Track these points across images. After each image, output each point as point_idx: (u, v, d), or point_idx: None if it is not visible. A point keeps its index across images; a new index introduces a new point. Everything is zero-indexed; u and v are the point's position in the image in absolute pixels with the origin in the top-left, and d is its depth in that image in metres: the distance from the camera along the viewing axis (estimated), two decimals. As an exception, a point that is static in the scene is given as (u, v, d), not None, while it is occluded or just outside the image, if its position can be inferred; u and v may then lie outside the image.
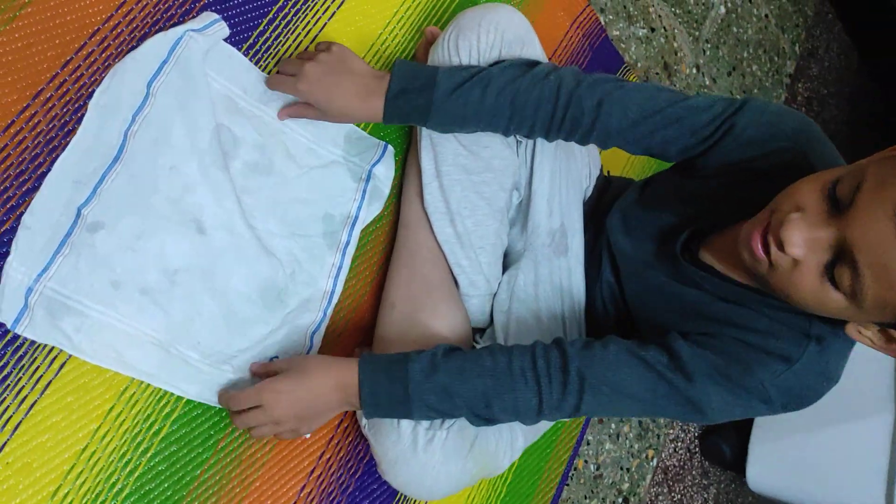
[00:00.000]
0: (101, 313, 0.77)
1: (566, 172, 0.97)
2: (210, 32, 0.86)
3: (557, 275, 0.95)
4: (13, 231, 0.74)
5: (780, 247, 0.64)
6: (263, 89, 0.91)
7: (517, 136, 0.93)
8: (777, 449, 1.60)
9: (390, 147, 1.02)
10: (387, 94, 0.83)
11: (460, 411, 0.79)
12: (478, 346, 0.94)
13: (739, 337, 0.76)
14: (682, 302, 0.82)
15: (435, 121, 0.85)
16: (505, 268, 0.98)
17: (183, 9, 0.86)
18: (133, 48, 0.82)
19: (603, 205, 1.00)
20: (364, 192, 0.98)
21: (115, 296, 0.77)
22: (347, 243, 0.97)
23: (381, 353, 0.81)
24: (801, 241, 0.63)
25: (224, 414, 0.87)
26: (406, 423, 0.84)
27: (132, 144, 0.79)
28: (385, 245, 1.03)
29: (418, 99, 0.83)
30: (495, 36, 0.89)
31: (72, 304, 0.75)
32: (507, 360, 0.78)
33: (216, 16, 0.87)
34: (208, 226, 0.83)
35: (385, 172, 1.00)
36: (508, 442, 0.89)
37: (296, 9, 0.97)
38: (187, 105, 0.83)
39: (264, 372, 0.84)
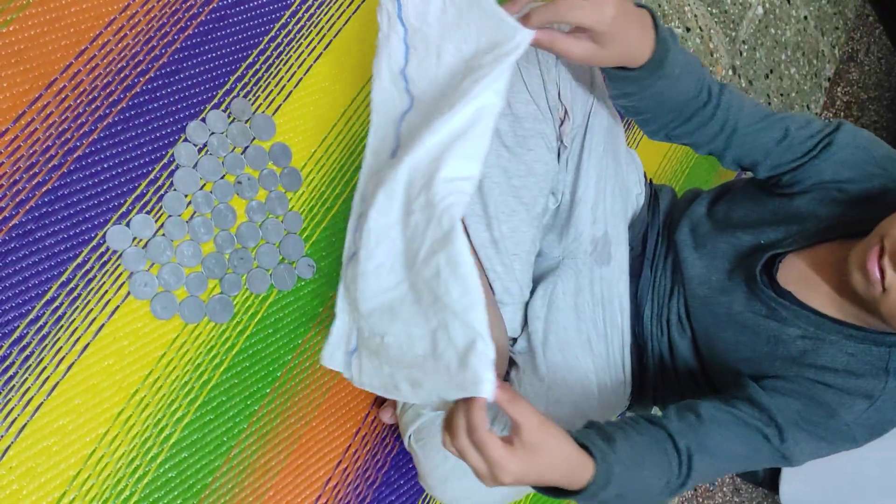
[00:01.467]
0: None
1: (613, 179, 0.93)
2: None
3: (598, 285, 0.91)
4: (21, 226, 0.71)
5: None
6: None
7: (563, 141, 0.89)
8: (812, 466, 1.55)
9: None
10: (658, 31, 0.72)
11: None
12: (513, 356, 0.90)
13: (818, 379, 0.76)
14: (754, 336, 0.81)
15: (668, 70, 0.74)
16: (534, 276, 0.94)
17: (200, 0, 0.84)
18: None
19: (661, 215, 0.96)
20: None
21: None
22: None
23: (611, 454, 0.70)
24: None
25: (237, 420, 0.84)
26: None
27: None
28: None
29: (666, 42, 0.74)
30: None
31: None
32: (650, 445, 0.73)
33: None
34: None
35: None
36: None
37: (318, 2, 0.94)
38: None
39: (506, 400, 0.65)
